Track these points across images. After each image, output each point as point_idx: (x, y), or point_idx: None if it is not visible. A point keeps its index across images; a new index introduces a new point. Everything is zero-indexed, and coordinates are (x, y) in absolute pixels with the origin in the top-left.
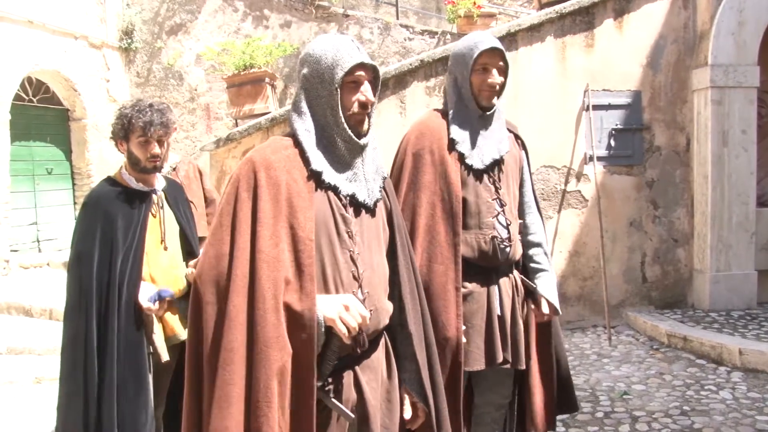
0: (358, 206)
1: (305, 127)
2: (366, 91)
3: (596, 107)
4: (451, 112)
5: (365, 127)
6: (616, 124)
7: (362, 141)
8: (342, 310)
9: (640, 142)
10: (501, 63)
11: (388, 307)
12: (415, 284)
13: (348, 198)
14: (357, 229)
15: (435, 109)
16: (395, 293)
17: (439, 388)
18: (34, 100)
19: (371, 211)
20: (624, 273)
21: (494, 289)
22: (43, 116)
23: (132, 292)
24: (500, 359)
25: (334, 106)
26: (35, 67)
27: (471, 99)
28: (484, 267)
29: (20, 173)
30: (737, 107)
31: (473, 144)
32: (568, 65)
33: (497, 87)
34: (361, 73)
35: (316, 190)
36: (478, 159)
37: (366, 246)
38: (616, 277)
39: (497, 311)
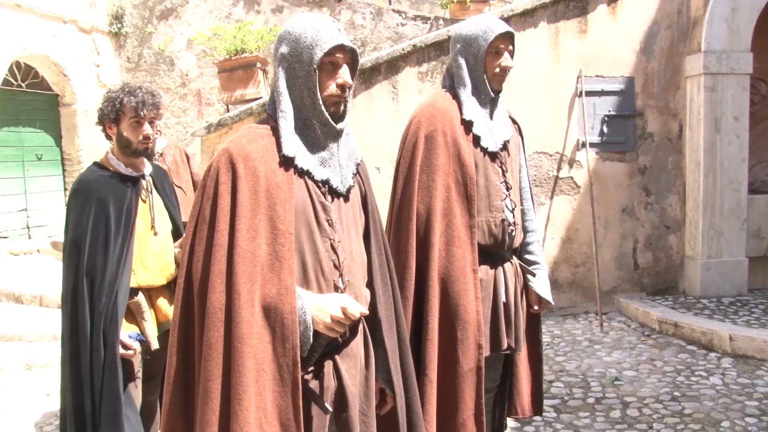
0: (334, 193)
1: (282, 108)
2: (344, 74)
3: (589, 93)
4: (463, 94)
5: (341, 109)
6: (609, 111)
7: (338, 125)
8: (335, 313)
9: (633, 129)
10: (511, 47)
11: (367, 295)
12: (387, 270)
13: (325, 185)
14: (336, 217)
15: (441, 91)
16: (367, 279)
17: (410, 375)
18: (23, 85)
19: (346, 198)
20: (616, 259)
21: (500, 275)
22: (33, 101)
23: (124, 279)
24: (505, 346)
25: (312, 87)
26: (23, 52)
27: (483, 82)
28: (491, 253)
29: (9, 159)
30: (730, 94)
31: (487, 126)
32: (561, 51)
33: (508, 70)
34: (340, 55)
35: (293, 178)
36: (492, 141)
37: (345, 233)
38: (608, 264)
39: (503, 298)
